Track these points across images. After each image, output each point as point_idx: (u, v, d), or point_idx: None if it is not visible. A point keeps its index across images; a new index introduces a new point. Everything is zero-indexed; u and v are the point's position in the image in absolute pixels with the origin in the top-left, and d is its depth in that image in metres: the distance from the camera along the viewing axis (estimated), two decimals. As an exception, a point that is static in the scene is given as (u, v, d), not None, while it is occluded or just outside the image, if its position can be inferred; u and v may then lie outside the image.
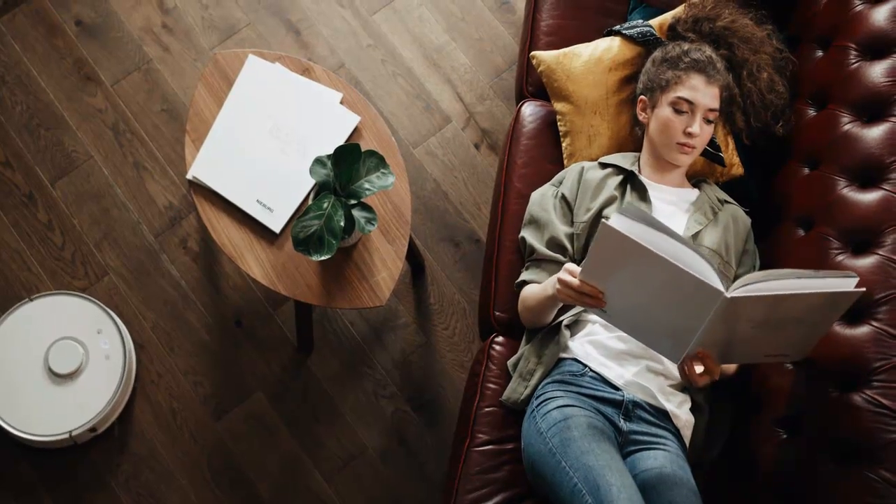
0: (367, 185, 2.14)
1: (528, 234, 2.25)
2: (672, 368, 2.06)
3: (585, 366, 2.07)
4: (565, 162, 2.40)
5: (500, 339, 2.27)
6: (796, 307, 1.72)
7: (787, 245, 2.14)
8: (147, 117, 2.89)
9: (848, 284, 1.73)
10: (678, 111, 2.16)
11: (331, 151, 2.30)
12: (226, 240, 2.30)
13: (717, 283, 1.69)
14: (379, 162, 2.15)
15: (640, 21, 2.41)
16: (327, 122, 2.37)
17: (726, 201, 2.25)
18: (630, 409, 2.02)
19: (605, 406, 2.03)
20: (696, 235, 2.14)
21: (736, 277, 2.15)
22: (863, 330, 1.89)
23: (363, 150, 2.19)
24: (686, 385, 2.08)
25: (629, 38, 2.37)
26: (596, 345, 2.09)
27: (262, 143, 2.34)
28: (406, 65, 2.99)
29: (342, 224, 2.10)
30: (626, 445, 2.02)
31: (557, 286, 1.91)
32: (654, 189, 2.21)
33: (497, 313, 2.30)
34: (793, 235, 2.14)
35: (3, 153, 2.84)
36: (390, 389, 2.68)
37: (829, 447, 1.85)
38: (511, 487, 2.09)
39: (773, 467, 1.93)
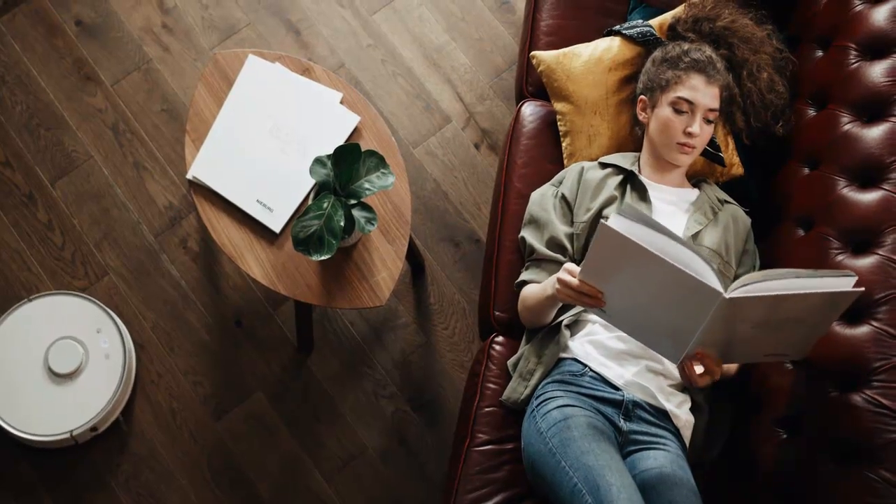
0: (366, 185, 2.14)
1: (527, 234, 2.25)
2: (672, 368, 2.06)
3: (585, 366, 2.07)
4: (565, 162, 2.40)
5: (499, 338, 2.27)
6: (796, 307, 1.72)
7: (787, 245, 2.14)
8: (147, 117, 2.89)
9: (846, 283, 1.73)
10: (678, 111, 2.16)
11: (331, 151, 2.30)
12: (226, 240, 2.30)
13: (715, 283, 1.69)
14: (379, 162, 2.15)
15: (640, 21, 2.41)
16: (327, 121, 2.37)
17: (726, 201, 2.25)
18: (630, 408, 2.02)
19: (604, 406, 2.03)
20: (696, 235, 2.14)
21: (736, 277, 2.15)
22: (863, 330, 1.89)
23: (363, 149, 2.19)
24: (686, 385, 2.08)
25: (629, 38, 2.37)
26: (596, 345, 2.09)
27: (262, 143, 2.34)
28: (406, 65, 2.99)
29: (342, 224, 2.10)
30: (625, 445, 2.02)
31: (557, 286, 1.91)
32: (654, 189, 2.21)
33: (497, 313, 2.30)
34: (793, 235, 2.14)
35: (3, 153, 2.84)
36: (390, 389, 2.68)
37: (829, 447, 1.85)
38: (511, 487, 2.09)
39: (773, 467, 1.93)
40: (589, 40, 2.45)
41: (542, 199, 2.26)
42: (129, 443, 2.60)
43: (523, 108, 2.49)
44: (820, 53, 2.30)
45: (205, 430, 2.63)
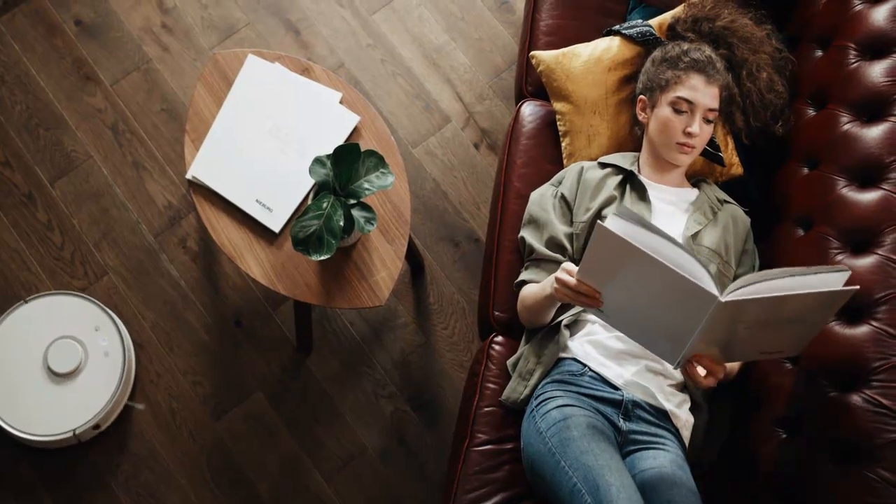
0: (366, 185, 2.14)
1: (527, 234, 2.25)
2: (672, 368, 2.06)
3: (585, 365, 2.07)
4: (565, 162, 2.40)
5: (499, 338, 2.27)
6: (791, 307, 1.72)
7: (786, 245, 2.14)
8: (146, 117, 2.89)
9: (841, 279, 1.72)
10: (678, 111, 2.16)
11: (330, 151, 2.30)
12: (225, 240, 2.30)
13: (711, 287, 1.69)
14: (378, 162, 2.15)
15: (640, 21, 2.41)
16: (327, 121, 2.36)
17: (726, 201, 2.25)
18: (629, 408, 2.02)
19: (604, 406, 2.03)
20: (695, 235, 2.14)
21: (736, 277, 2.16)
22: (862, 330, 1.89)
23: (363, 149, 2.19)
24: (689, 384, 2.08)
25: (629, 38, 2.37)
26: (595, 344, 2.09)
27: (262, 143, 2.34)
28: (405, 64, 2.99)
29: (341, 224, 2.10)
30: (625, 445, 2.02)
31: (555, 285, 1.91)
32: (654, 189, 2.21)
33: (496, 313, 2.30)
34: (792, 235, 2.14)
35: (2, 153, 2.84)
36: (390, 389, 2.68)
37: (828, 447, 1.85)
38: (510, 487, 2.09)
39: (772, 467, 1.93)
40: (588, 40, 2.45)
41: (542, 199, 2.26)
42: (128, 443, 2.60)
43: (523, 107, 2.49)
44: (819, 53, 2.30)
45: (204, 429, 2.63)
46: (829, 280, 1.72)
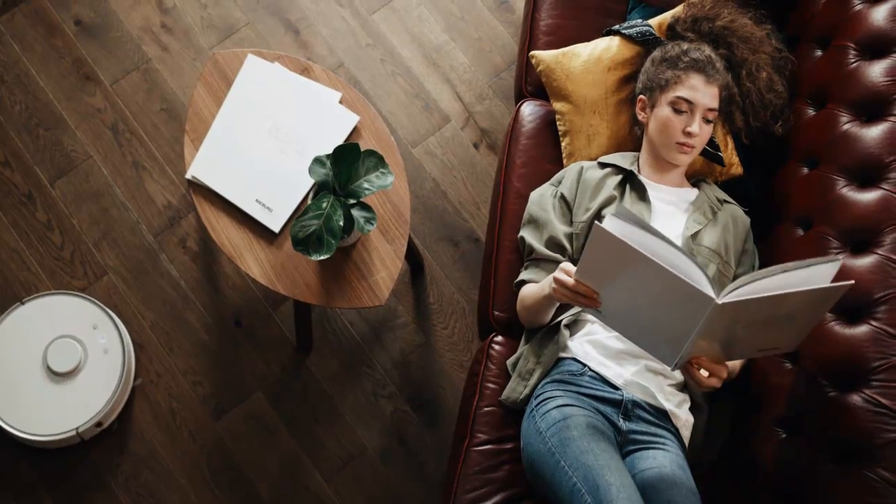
0: (366, 185, 2.14)
1: (527, 234, 2.25)
2: (669, 370, 2.06)
3: (585, 365, 2.07)
4: (564, 161, 2.40)
5: (499, 338, 2.27)
6: (787, 305, 1.72)
7: (786, 245, 2.14)
8: (146, 117, 2.89)
9: (833, 269, 1.72)
10: (677, 111, 2.16)
11: (330, 151, 2.30)
12: (225, 239, 2.30)
13: (707, 289, 1.69)
14: (378, 161, 2.15)
15: (640, 20, 2.41)
16: (326, 121, 2.36)
17: (725, 201, 2.25)
18: (629, 408, 2.02)
19: (604, 405, 2.03)
20: (695, 235, 2.14)
21: (735, 277, 2.16)
22: (862, 329, 1.89)
23: (362, 149, 2.19)
24: (692, 386, 2.08)
25: (628, 38, 2.37)
26: (595, 344, 2.09)
27: (262, 143, 2.34)
28: (405, 64, 2.99)
29: (341, 224, 2.09)
30: (625, 445, 2.02)
31: (553, 285, 1.91)
32: (654, 189, 2.21)
33: (496, 313, 2.30)
34: (792, 235, 2.14)
35: (2, 153, 2.84)
36: (389, 389, 2.68)
37: (828, 447, 1.85)
38: (510, 487, 2.09)
39: (772, 467, 1.93)
40: (588, 40, 2.45)
41: (542, 199, 2.26)
42: (128, 443, 2.60)
43: (522, 107, 2.49)
44: (819, 53, 2.30)
45: (204, 429, 2.63)
46: (822, 271, 1.72)
